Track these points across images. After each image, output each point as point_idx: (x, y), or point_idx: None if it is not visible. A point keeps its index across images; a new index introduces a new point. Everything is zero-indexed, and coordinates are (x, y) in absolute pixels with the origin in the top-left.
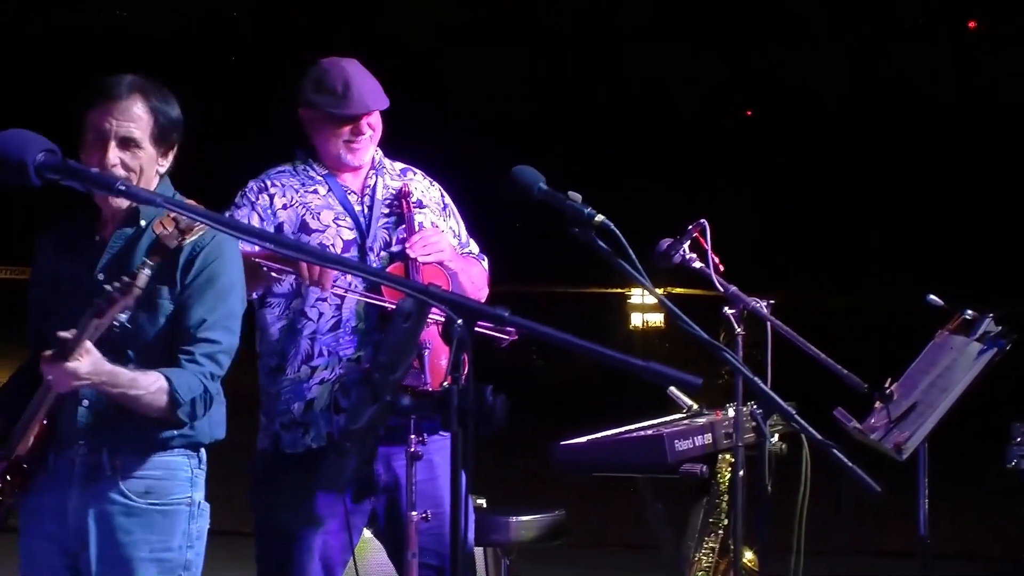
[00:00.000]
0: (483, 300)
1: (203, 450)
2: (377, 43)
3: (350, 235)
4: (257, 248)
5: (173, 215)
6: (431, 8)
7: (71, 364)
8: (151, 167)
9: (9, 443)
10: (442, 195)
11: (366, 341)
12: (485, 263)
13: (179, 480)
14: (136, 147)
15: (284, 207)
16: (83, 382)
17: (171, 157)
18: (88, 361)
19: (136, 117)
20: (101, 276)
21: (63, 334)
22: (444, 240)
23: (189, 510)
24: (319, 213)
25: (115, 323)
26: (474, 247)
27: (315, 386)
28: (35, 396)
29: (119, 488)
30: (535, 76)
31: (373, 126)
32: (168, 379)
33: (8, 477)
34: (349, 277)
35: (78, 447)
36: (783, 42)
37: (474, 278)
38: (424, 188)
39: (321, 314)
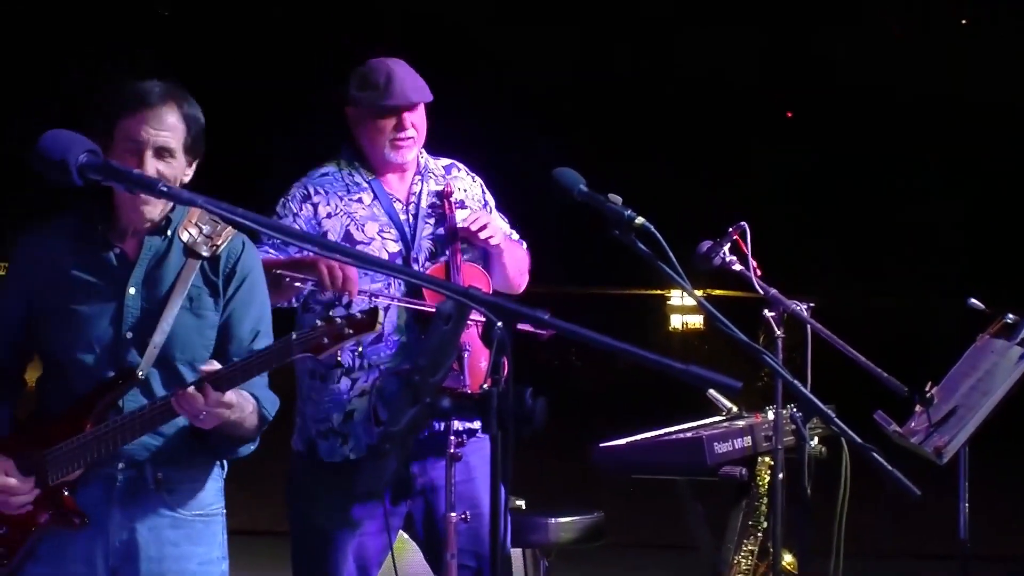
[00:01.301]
0: (523, 283)
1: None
2: (423, 24)
3: (395, 247)
4: (275, 256)
5: (195, 219)
6: None
7: (227, 398)
8: (180, 177)
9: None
10: (483, 191)
11: (407, 353)
12: (525, 247)
13: (214, 490)
14: (171, 157)
15: (329, 215)
16: (228, 415)
17: (195, 166)
18: (234, 394)
19: (172, 126)
20: (132, 290)
21: (211, 369)
22: (496, 221)
23: (223, 519)
24: (364, 225)
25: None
26: (515, 234)
27: (355, 397)
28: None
29: (164, 501)
30: (582, 67)
31: (417, 125)
32: (255, 397)
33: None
34: (392, 288)
35: (116, 465)
36: (824, 40)
37: (518, 261)
38: (467, 185)
39: None
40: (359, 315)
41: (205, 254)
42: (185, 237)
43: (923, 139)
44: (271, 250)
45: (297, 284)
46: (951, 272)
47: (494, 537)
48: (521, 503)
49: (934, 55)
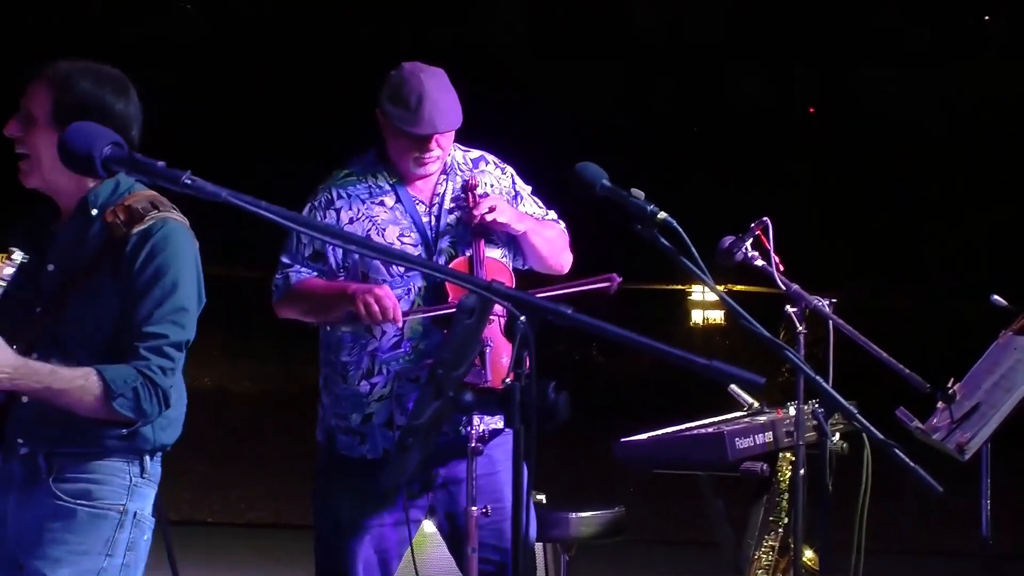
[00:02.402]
0: (564, 262)
1: (149, 458)
2: (464, 52)
3: (414, 251)
4: (308, 276)
5: (127, 203)
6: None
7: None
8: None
9: None
10: (513, 181)
11: (426, 357)
12: (563, 226)
13: (115, 486)
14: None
15: (351, 220)
16: (6, 381)
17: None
18: (6, 361)
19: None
20: (51, 267)
21: None
22: (504, 204)
23: (119, 518)
24: (384, 229)
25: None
26: (552, 214)
27: (374, 402)
28: None
29: (52, 490)
30: (610, 82)
31: (443, 145)
32: (98, 370)
33: None
34: (412, 293)
35: (19, 448)
36: (844, 48)
37: (550, 239)
38: (495, 179)
39: (384, 332)
40: None
41: (117, 236)
42: (110, 219)
43: (945, 135)
44: (304, 270)
45: (344, 329)
46: (974, 269)
47: (516, 531)
48: (542, 497)
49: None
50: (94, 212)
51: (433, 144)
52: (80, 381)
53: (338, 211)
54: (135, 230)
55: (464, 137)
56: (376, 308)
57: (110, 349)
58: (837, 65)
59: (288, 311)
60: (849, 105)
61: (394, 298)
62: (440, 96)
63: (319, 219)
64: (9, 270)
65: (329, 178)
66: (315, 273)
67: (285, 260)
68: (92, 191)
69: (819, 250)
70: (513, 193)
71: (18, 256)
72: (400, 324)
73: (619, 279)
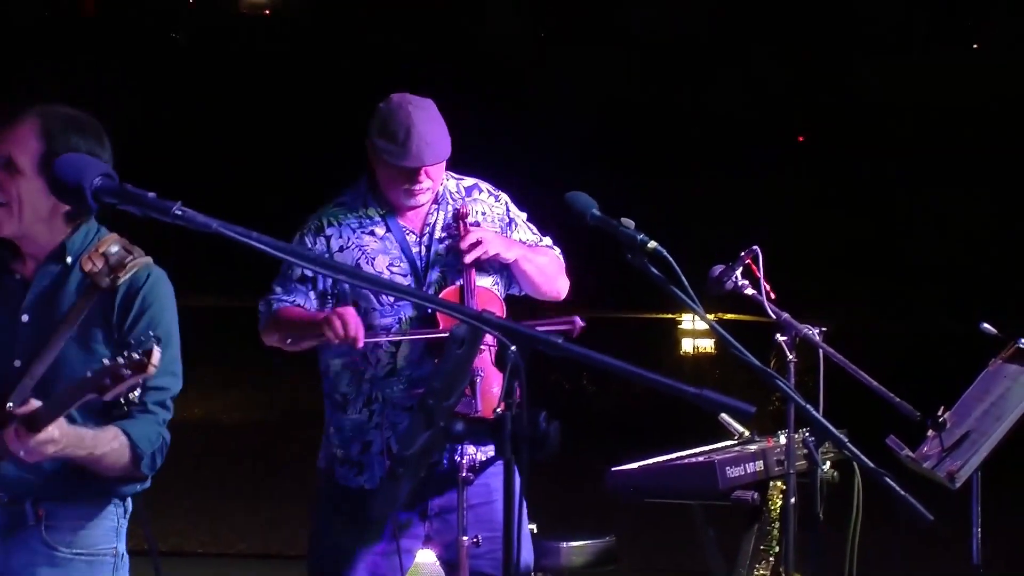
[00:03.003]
0: (560, 288)
1: (129, 500)
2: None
3: (403, 281)
4: (288, 304)
5: (103, 249)
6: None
7: (44, 436)
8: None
9: None
10: (507, 209)
11: (418, 386)
12: (558, 251)
13: (104, 530)
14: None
15: (341, 248)
16: (56, 451)
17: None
18: (59, 430)
19: (22, 138)
20: (26, 317)
21: (28, 409)
22: (492, 235)
23: (113, 561)
24: (374, 259)
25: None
26: (547, 240)
27: (372, 429)
28: None
29: (42, 537)
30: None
31: (433, 176)
32: (127, 433)
33: None
34: (402, 323)
35: (1, 498)
36: (835, 70)
37: (542, 266)
38: (488, 207)
39: (378, 360)
40: (136, 356)
41: (103, 286)
42: (88, 267)
43: (934, 169)
44: (285, 297)
45: (302, 345)
46: (964, 298)
47: (507, 559)
48: (533, 527)
49: (948, 85)
50: (69, 260)
51: (422, 176)
52: (115, 443)
53: (328, 239)
54: (121, 279)
55: (461, 141)
56: (338, 323)
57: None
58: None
59: (270, 338)
60: (844, 128)
61: (357, 319)
62: (427, 128)
63: (308, 245)
64: None
65: (320, 208)
66: (300, 299)
67: (275, 287)
68: (69, 238)
69: (810, 278)
70: (507, 220)
71: None
72: (360, 345)
73: (582, 323)
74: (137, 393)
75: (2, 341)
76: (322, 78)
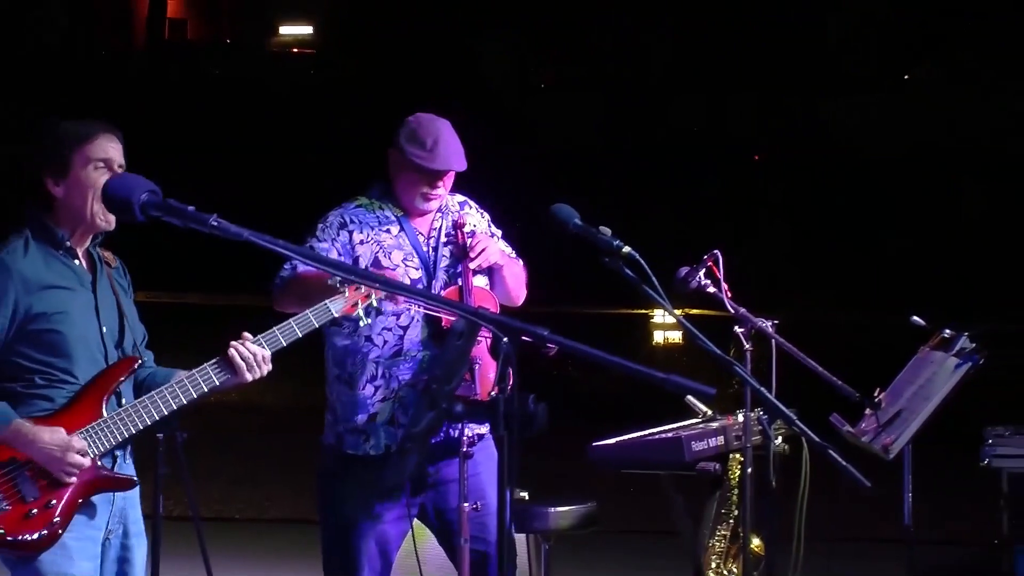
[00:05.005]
0: (522, 296)
1: None
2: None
3: (416, 274)
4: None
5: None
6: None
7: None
8: None
9: None
10: (489, 224)
11: (423, 368)
12: (521, 264)
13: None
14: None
15: (361, 242)
16: None
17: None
18: None
19: (119, 147)
20: (99, 292)
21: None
22: (493, 244)
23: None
24: (390, 252)
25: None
26: (513, 253)
27: (377, 403)
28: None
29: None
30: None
31: (446, 184)
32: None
33: None
34: (412, 311)
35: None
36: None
37: (516, 275)
38: (476, 220)
39: (386, 341)
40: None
41: (113, 265)
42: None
43: (879, 179)
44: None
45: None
46: (897, 293)
47: (500, 524)
48: (525, 494)
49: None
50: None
51: (440, 183)
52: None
53: (351, 232)
54: (116, 262)
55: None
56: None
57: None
58: (780, 98)
59: (284, 298)
60: (792, 143)
61: None
62: (451, 139)
63: (332, 236)
64: None
65: (339, 206)
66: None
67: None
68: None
69: (764, 277)
70: (490, 234)
71: None
72: (390, 322)
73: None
74: None
75: (90, 313)
76: (339, 107)
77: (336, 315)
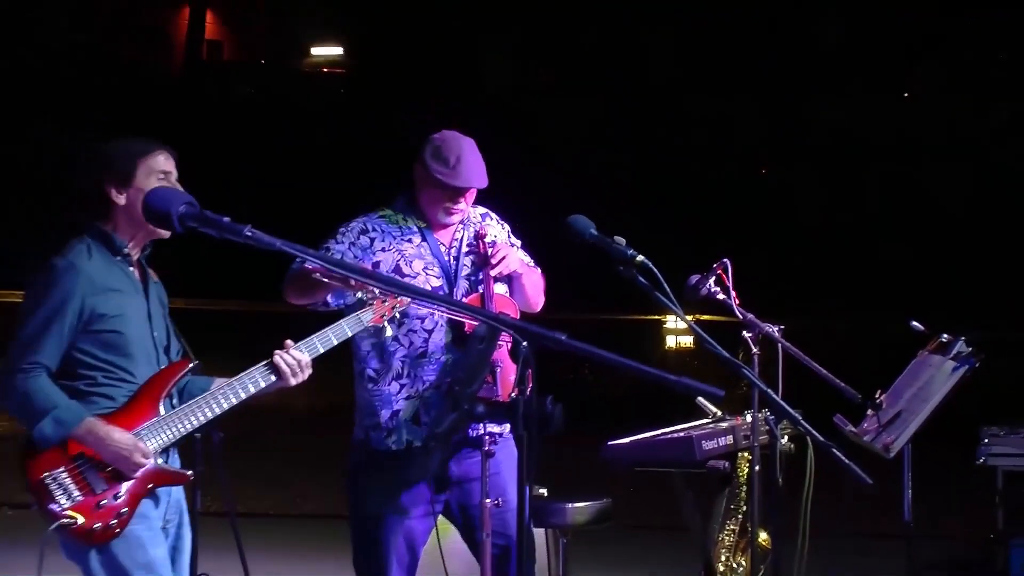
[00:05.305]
0: (540, 303)
1: None
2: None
3: (437, 282)
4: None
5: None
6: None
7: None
8: None
9: None
10: (509, 235)
11: (447, 369)
12: (539, 272)
13: None
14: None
15: (383, 249)
16: None
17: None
18: None
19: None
20: (150, 297)
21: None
22: (513, 253)
23: None
24: (412, 261)
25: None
26: (531, 262)
27: (401, 400)
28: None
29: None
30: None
31: (468, 200)
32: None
33: None
34: (436, 315)
35: None
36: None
37: (535, 283)
38: (497, 231)
39: (411, 343)
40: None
41: (155, 280)
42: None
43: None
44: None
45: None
46: (897, 301)
47: (520, 520)
48: (543, 491)
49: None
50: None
51: (462, 199)
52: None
53: (372, 239)
54: (156, 278)
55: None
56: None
57: None
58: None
59: (291, 290)
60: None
61: None
62: (473, 158)
63: (351, 240)
64: None
65: (363, 214)
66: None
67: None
68: None
69: (771, 285)
70: (509, 244)
71: None
72: (416, 324)
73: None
74: None
75: (143, 316)
76: (366, 123)
77: (366, 325)
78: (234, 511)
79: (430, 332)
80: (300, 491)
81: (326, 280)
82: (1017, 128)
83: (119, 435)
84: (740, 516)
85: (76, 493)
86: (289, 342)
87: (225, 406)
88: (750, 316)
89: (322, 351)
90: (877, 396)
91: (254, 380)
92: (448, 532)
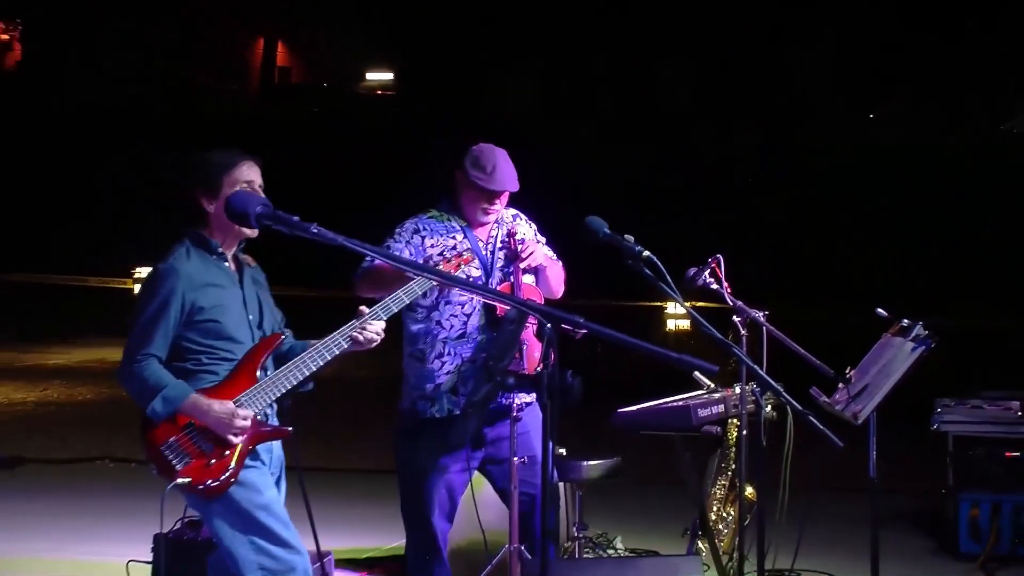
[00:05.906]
0: (561, 291)
1: None
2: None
3: (476, 272)
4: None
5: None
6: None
7: None
8: None
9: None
10: (536, 233)
11: (482, 348)
12: (561, 264)
13: None
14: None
15: (432, 246)
16: None
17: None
18: None
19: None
20: (246, 288)
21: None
22: (539, 249)
23: None
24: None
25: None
26: (554, 256)
27: (443, 375)
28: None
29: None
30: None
31: (503, 202)
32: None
33: None
34: (474, 301)
35: None
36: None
37: (557, 274)
38: (524, 230)
39: (452, 326)
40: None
41: (252, 265)
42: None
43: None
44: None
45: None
46: (865, 290)
47: (544, 474)
48: (563, 451)
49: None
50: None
51: (497, 201)
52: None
53: (423, 238)
54: (254, 263)
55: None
56: None
57: None
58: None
59: (363, 285)
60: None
61: None
62: (507, 166)
63: (406, 239)
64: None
65: (414, 216)
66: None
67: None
68: None
69: (759, 276)
70: (536, 240)
71: None
72: (456, 309)
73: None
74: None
75: (240, 304)
76: (414, 138)
77: (433, 284)
78: (300, 466)
79: (468, 316)
80: (354, 448)
81: (394, 275)
82: None
83: (218, 405)
84: (730, 473)
85: (187, 457)
86: (363, 308)
87: (312, 368)
88: (740, 303)
89: (395, 311)
90: (847, 372)
91: (337, 343)
92: (482, 485)
